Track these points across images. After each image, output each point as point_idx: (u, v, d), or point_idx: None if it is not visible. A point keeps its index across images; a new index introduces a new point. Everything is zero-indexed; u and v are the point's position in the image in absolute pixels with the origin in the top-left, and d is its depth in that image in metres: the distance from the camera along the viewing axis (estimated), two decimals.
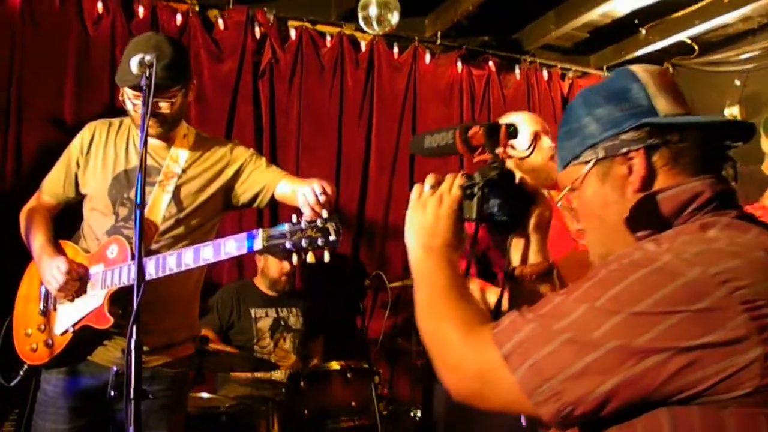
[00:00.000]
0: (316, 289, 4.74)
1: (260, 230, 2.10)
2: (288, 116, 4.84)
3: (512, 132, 1.39)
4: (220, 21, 4.70)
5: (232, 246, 2.15)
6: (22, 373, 2.48)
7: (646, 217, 1.20)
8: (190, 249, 2.24)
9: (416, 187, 1.41)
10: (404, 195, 5.01)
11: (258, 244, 2.10)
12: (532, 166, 2.60)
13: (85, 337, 2.38)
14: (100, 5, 4.43)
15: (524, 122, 2.70)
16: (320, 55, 4.97)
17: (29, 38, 4.31)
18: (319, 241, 2.02)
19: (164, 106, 2.39)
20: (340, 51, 5.01)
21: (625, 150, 1.21)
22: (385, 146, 5.09)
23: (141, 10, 4.50)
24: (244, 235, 2.14)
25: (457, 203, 1.35)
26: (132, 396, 1.77)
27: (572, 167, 1.29)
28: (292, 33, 4.88)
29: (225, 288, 4.38)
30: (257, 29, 4.77)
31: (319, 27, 5.00)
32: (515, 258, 1.42)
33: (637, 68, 1.27)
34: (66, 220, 2.69)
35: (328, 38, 5.01)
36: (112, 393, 2.31)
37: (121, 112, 2.64)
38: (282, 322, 4.33)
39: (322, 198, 2.13)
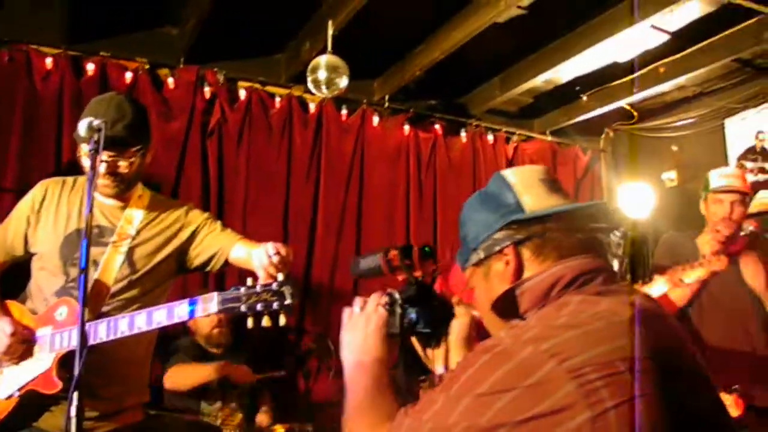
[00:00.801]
0: (261, 345, 4.67)
1: (215, 294, 2.09)
2: (236, 175, 4.85)
3: (427, 253, 1.57)
4: (170, 80, 4.71)
5: (184, 310, 2.13)
6: None
7: (510, 306, 1.35)
8: (142, 312, 2.20)
9: (346, 310, 1.57)
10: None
11: (212, 308, 2.08)
12: None
13: (31, 402, 2.30)
14: (48, 61, 4.40)
15: None
16: (269, 115, 5.02)
17: None
18: (275, 305, 2.02)
19: (123, 165, 2.37)
20: (289, 112, 5.07)
21: (498, 248, 1.37)
22: (332, 207, 5.13)
23: (90, 67, 4.49)
24: (198, 298, 2.12)
25: (383, 320, 1.50)
26: None
27: (468, 269, 1.46)
28: (242, 93, 4.93)
29: (176, 343, 4.26)
30: (207, 89, 4.80)
31: (269, 88, 5.06)
32: (438, 367, 1.55)
33: (507, 172, 1.45)
34: (10, 279, 2.62)
35: (278, 99, 5.06)
36: None
37: (67, 170, 2.62)
38: (229, 381, 4.24)
39: (276, 259, 2.13)
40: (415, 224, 5.40)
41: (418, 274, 1.55)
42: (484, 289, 1.41)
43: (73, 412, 1.80)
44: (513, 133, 6.04)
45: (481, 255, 1.40)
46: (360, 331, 1.50)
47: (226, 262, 2.52)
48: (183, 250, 2.54)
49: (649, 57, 4.97)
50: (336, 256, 5.07)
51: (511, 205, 1.38)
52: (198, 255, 2.54)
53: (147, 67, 4.64)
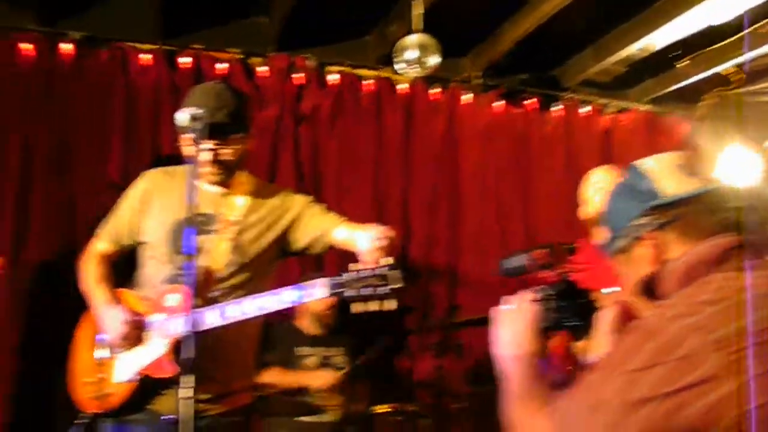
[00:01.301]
0: (360, 329, 4.70)
1: (323, 279, 2.10)
2: (328, 160, 4.87)
3: (570, 250, 1.71)
4: (262, 68, 4.77)
5: (293, 295, 2.16)
6: (80, 422, 2.48)
7: (655, 288, 1.44)
8: (251, 298, 2.24)
9: (495, 309, 1.66)
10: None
11: (320, 293, 2.09)
12: None
13: (146, 387, 2.38)
14: (144, 56, 4.54)
15: None
16: (359, 98, 5.00)
17: (79, 92, 4.43)
18: (381, 289, 2.01)
19: (225, 152, 2.41)
20: (379, 94, 5.05)
21: (640, 234, 1.45)
22: (426, 188, 5.08)
23: (184, 60, 4.60)
24: (306, 283, 2.14)
25: (536, 315, 1.59)
26: None
27: (614, 257, 1.55)
28: (332, 78, 4.94)
29: (271, 330, 4.35)
30: (298, 75, 4.83)
31: (358, 71, 5.05)
32: (588, 357, 1.69)
33: (644, 161, 1.52)
34: (121, 268, 2.72)
35: (367, 82, 5.04)
36: None
37: (166, 163, 2.69)
38: (329, 362, 4.32)
39: (382, 243, 2.12)
40: (509, 201, 5.30)
41: (563, 269, 1.67)
42: (630, 274, 1.50)
43: (186, 394, 1.86)
44: (608, 105, 5.85)
45: (626, 242, 1.48)
46: (514, 326, 1.59)
47: (329, 245, 2.53)
48: (286, 233, 2.56)
49: (749, 17, 4.70)
50: (431, 236, 5.03)
51: (650, 192, 1.45)
52: (301, 238, 2.55)
53: (239, 57, 4.71)
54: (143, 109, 4.52)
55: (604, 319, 1.64)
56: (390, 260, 2.05)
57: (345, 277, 2.06)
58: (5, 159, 4.35)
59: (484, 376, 4.62)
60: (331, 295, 2.07)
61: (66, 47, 4.45)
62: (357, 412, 4.11)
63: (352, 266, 2.08)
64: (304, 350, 4.28)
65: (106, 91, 4.51)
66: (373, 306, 2.03)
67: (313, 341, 4.33)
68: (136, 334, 2.38)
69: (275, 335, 4.26)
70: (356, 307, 2.05)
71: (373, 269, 2.04)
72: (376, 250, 2.11)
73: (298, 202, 2.61)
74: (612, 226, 1.54)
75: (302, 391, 4.09)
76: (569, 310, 1.61)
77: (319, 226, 2.54)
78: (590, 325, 1.63)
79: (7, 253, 4.20)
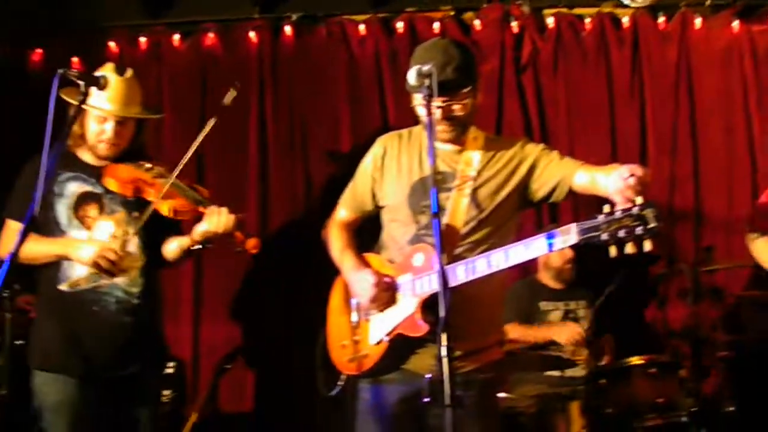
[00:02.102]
0: (602, 279, 4.52)
1: (573, 225, 2.02)
2: (556, 107, 4.69)
3: None
4: (476, 22, 4.70)
5: (542, 243, 2.10)
6: (340, 383, 2.59)
7: None
8: (500, 250, 2.22)
9: None
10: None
11: (572, 239, 2.01)
12: None
13: (399, 346, 2.42)
14: (362, 27, 4.65)
15: None
16: (581, 39, 4.76)
17: (303, 70, 4.64)
18: (638, 230, 1.88)
19: (456, 108, 2.38)
20: (602, 31, 4.75)
21: None
22: (662, 124, 4.73)
23: (399, 25, 4.66)
24: (556, 230, 2.07)
25: None
26: (447, 403, 1.81)
27: None
28: (550, 21, 4.74)
29: (512, 286, 4.32)
30: (514, 23, 4.69)
31: (577, 10, 4.79)
32: None
33: None
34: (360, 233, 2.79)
35: (587, 20, 4.77)
36: (427, 400, 2.32)
37: (395, 128, 2.72)
38: (571, 315, 4.21)
39: (632, 181, 1.98)
40: (759, 132, 4.79)
41: None
42: None
43: (443, 352, 1.86)
44: None
45: None
46: None
47: (570, 191, 2.43)
48: (524, 184, 2.49)
49: None
50: (672, 176, 4.68)
51: None
52: (540, 187, 2.48)
53: (452, 13, 4.68)
54: (366, 78, 4.67)
55: None
56: (643, 199, 1.92)
57: (599, 219, 1.96)
58: (246, 143, 4.68)
59: (742, 323, 4.30)
60: (584, 240, 1.98)
61: (287, 29, 4.68)
62: (608, 365, 3.98)
63: (605, 208, 1.97)
64: (547, 305, 4.21)
65: (329, 67, 4.71)
66: (630, 248, 1.91)
67: (555, 295, 4.26)
68: (386, 295, 2.43)
69: (516, 291, 4.23)
70: (612, 251, 1.94)
71: (627, 210, 1.92)
72: (627, 189, 1.98)
73: (532, 150, 2.53)
74: None
75: (548, 345, 4.03)
76: None
77: (558, 172, 2.44)
78: None
79: (254, 229, 4.51)
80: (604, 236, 1.93)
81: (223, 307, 4.60)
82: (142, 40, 4.78)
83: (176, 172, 2.69)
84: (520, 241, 2.18)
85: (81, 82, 2.27)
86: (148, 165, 2.80)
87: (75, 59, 4.63)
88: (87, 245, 2.64)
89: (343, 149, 4.58)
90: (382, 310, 2.46)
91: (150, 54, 4.78)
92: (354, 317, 2.57)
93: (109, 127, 2.74)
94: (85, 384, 2.65)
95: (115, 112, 2.73)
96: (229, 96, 2.73)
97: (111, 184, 2.70)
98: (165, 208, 2.65)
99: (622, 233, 1.89)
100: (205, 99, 4.75)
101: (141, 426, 2.76)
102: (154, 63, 4.77)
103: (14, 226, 2.72)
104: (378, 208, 2.65)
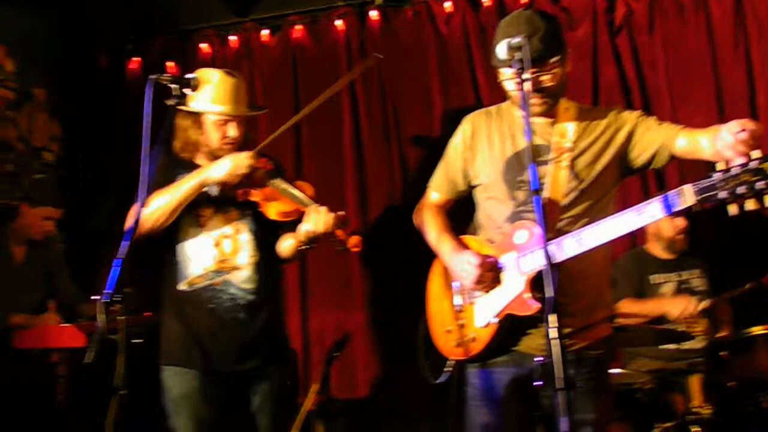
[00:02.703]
0: (715, 246, 4.31)
1: (688, 185, 1.94)
2: (655, 68, 4.46)
3: None
4: None
5: (656, 207, 2.03)
6: (447, 369, 2.55)
7: None
8: (607, 221, 2.15)
9: None
10: None
11: (688, 200, 1.94)
12: None
13: (509, 327, 2.37)
14: (448, 5, 4.60)
15: None
16: None
17: (391, 54, 4.62)
18: (759, 185, 1.79)
19: (546, 79, 2.31)
20: None
21: None
22: None
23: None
24: (669, 193, 1.99)
25: None
26: (561, 385, 1.76)
27: None
28: None
29: (619, 260, 4.18)
30: None
31: None
32: None
33: None
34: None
35: None
36: (539, 383, 2.25)
37: (489, 104, 2.65)
38: (685, 286, 4.03)
39: (743, 136, 1.89)
40: None
41: None
42: None
43: (553, 333, 1.81)
44: None
45: None
46: None
47: (672, 157, 2.34)
48: (622, 152, 2.40)
49: None
50: None
51: None
52: (639, 154, 2.38)
53: None
54: (456, 57, 4.61)
55: None
56: (759, 153, 1.82)
57: (715, 177, 1.87)
58: (341, 131, 4.73)
59: None
60: (702, 200, 1.90)
61: (372, 14, 4.67)
62: (728, 336, 3.82)
63: (718, 166, 1.89)
64: (658, 277, 4.05)
65: (417, 48, 4.68)
66: (751, 205, 1.82)
67: (665, 266, 4.09)
68: (490, 276, 2.37)
69: (623, 265, 4.09)
70: (732, 209, 1.86)
71: (744, 164, 1.83)
72: (739, 143, 1.89)
73: (628, 118, 2.44)
74: None
75: (661, 319, 3.88)
76: None
77: (658, 137, 2.35)
78: None
79: (353, 216, 4.55)
80: (722, 194, 1.85)
81: (329, 295, 4.68)
82: (232, 38, 4.90)
83: (285, 183, 2.76)
84: (631, 208, 2.11)
85: (174, 86, 2.34)
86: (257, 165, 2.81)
87: (170, 63, 4.78)
88: (221, 162, 2.70)
89: (437, 130, 4.54)
90: (487, 292, 2.41)
91: (240, 52, 4.90)
92: (457, 301, 2.52)
93: (233, 128, 2.79)
94: (205, 377, 2.73)
95: (236, 112, 2.78)
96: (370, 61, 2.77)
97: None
98: (272, 212, 2.71)
99: (741, 189, 1.81)
100: (297, 91, 4.82)
101: (261, 420, 2.81)
102: (245, 60, 4.88)
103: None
104: (471, 188, 2.60)
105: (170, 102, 2.35)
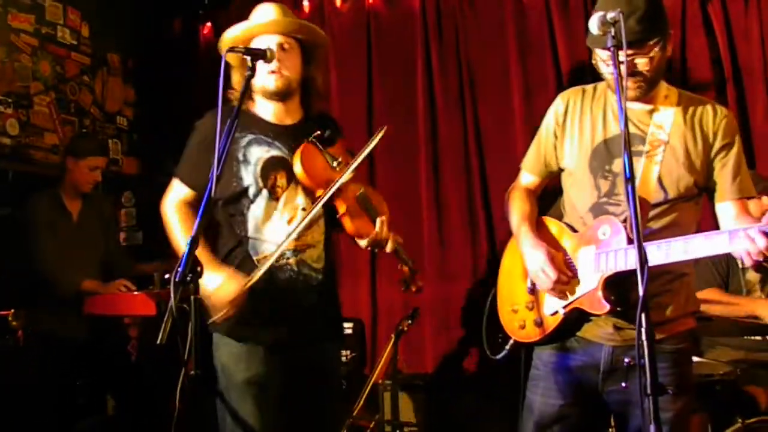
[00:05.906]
0: None
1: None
2: (748, 39, 4.16)
3: None
4: None
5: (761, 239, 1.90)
6: (508, 348, 2.48)
7: None
8: (701, 236, 2.01)
9: None
10: None
11: None
12: None
13: (575, 318, 2.29)
14: None
15: None
16: None
17: (468, 22, 4.53)
18: None
19: (642, 63, 2.15)
20: None
21: None
22: None
23: None
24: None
25: None
26: (649, 391, 1.67)
27: None
28: None
29: None
30: None
31: None
32: None
33: None
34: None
35: None
36: (624, 386, 2.23)
37: (569, 81, 2.50)
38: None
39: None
40: None
41: None
42: None
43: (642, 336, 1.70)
44: None
45: None
46: None
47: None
48: (713, 159, 2.26)
49: None
50: None
51: None
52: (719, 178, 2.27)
53: None
54: (535, 26, 4.42)
55: None
56: None
57: None
58: (414, 100, 4.63)
59: None
60: None
61: None
62: None
63: None
64: (751, 274, 3.82)
65: (496, 16, 4.54)
66: None
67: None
68: (563, 278, 2.26)
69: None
70: None
71: None
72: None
73: (727, 134, 2.27)
74: None
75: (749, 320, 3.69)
76: None
77: (716, 180, 2.25)
78: None
79: (425, 185, 4.47)
80: None
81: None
82: (305, 4, 4.83)
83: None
84: (724, 230, 2.01)
85: (247, 57, 2.25)
86: (339, 160, 2.66)
87: None
88: (217, 278, 2.50)
89: (514, 102, 4.38)
90: (559, 298, 2.30)
91: (313, 17, 4.82)
92: (530, 284, 2.42)
93: (274, 46, 2.52)
94: (272, 356, 2.68)
95: (271, 25, 2.64)
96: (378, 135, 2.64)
97: (302, 176, 2.58)
98: (350, 227, 2.59)
99: None
100: (370, 59, 4.74)
101: (322, 400, 2.78)
102: (318, 26, 4.76)
103: (179, 188, 2.69)
104: (561, 170, 2.47)
105: (245, 74, 2.26)
